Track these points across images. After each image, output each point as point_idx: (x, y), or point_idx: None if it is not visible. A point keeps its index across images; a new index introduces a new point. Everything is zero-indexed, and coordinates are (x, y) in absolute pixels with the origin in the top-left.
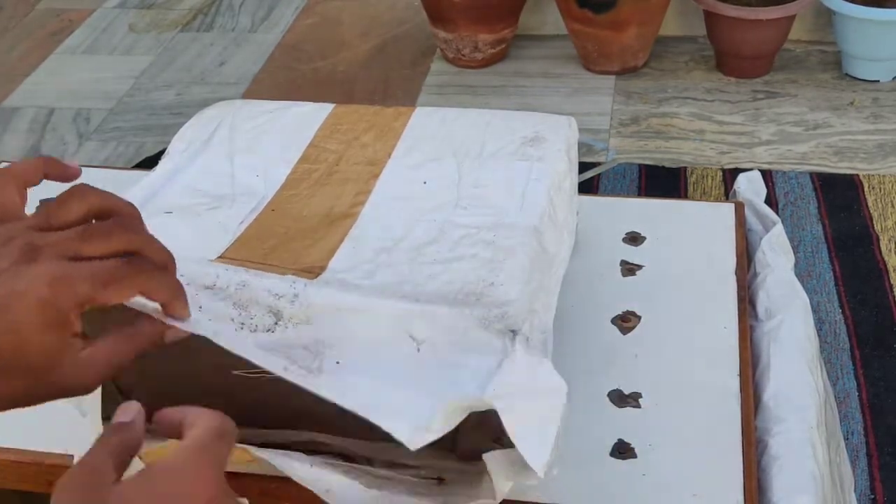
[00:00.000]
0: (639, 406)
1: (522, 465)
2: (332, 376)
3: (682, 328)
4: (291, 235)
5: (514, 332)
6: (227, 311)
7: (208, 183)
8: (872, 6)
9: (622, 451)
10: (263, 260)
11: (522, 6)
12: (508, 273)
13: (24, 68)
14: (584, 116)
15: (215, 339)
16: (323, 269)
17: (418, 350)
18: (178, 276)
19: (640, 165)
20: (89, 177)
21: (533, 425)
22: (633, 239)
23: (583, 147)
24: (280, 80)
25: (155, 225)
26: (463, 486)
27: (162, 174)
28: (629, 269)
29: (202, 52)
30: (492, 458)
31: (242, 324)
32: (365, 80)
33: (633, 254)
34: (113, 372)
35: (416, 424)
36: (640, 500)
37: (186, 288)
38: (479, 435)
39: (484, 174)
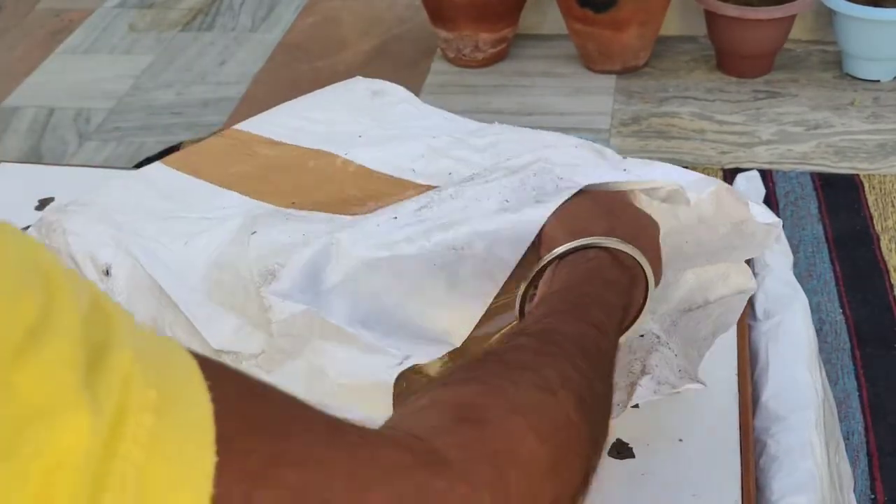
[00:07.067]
0: (637, 406)
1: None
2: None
3: None
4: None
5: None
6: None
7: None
8: (873, 6)
9: (620, 450)
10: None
11: (523, 5)
12: None
13: (24, 68)
14: (584, 116)
15: None
16: None
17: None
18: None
19: None
20: (90, 176)
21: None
22: None
23: None
24: (280, 80)
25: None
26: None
27: None
28: None
29: (202, 51)
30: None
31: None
32: None
33: None
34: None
35: None
36: (638, 499)
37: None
38: None
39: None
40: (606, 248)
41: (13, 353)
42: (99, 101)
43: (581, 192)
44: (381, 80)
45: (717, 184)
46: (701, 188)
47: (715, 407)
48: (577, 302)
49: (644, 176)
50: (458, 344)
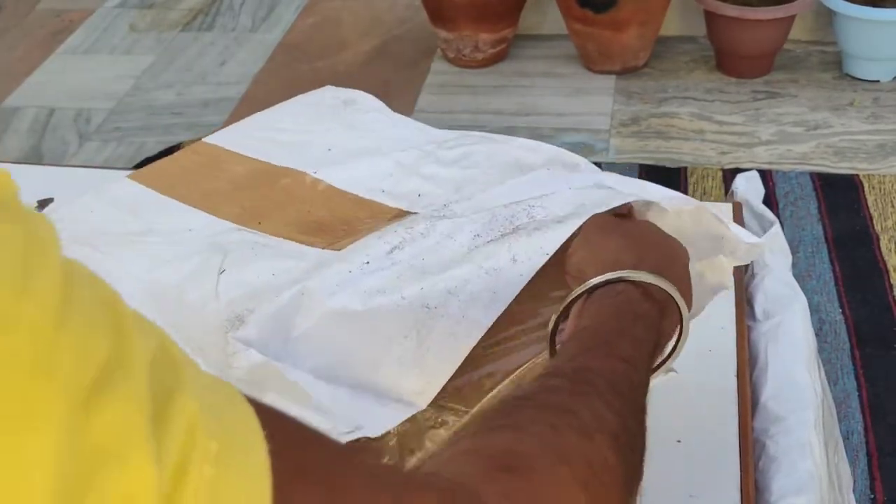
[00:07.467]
0: None
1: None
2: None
3: None
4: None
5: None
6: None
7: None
8: (872, 6)
9: None
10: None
11: (523, 5)
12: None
13: (25, 68)
14: (584, 116)
15: None
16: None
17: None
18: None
19: (640, 165)
20: (90, 177)
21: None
22: None
23: (584, 147)
24: (280, 80)
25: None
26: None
27: None
28: None
29: (203, 51)
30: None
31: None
32: (365, 79)
33: None
34: None
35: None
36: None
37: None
38: None
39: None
40: (636, 281)
41: (86, 394)
42: (99, 101)
43: (605, 220)
44: (353, 90)
45: (698, 203)
46: (681, 206)
47: (714, 408)
48: (607, 339)
49: (621, 189)
50: (424, 406)
